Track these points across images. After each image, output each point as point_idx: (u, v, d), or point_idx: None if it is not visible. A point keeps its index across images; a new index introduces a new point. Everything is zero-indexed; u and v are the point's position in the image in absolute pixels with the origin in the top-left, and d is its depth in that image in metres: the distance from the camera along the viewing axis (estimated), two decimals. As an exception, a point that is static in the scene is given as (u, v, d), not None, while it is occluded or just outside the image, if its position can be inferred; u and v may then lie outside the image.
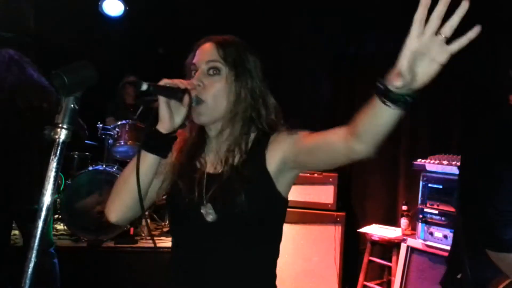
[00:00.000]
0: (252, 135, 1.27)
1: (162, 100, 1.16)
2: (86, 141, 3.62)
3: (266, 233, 1.25)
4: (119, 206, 1.24)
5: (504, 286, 1.66)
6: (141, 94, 1.12)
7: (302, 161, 1.20)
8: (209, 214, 1.19)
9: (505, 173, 1.63)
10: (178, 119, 1.18)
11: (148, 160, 1.18)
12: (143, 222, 4.19)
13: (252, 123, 1.27)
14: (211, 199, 1.20)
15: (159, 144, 1.18)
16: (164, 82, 1.16)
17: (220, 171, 1.24)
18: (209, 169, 1.27)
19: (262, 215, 1.21)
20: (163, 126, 1.17)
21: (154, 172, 1.21)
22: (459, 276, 1.81)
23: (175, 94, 1.15)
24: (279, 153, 1.21)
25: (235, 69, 1.25)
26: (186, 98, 1.15)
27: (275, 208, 1.26)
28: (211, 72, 1.24)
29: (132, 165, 1.18)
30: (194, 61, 1.26)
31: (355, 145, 1.05)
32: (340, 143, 1.08)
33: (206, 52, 1.26)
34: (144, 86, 1.11)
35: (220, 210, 1.19)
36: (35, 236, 0.85)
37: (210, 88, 1.23)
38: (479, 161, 1.76)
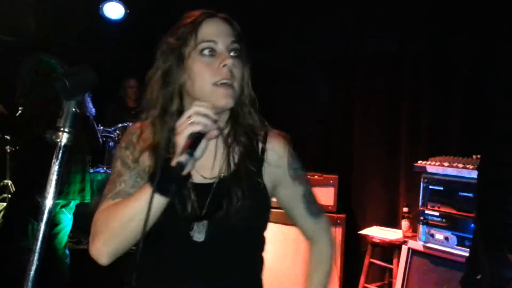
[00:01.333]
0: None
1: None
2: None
3: (257, 244, 1.21)
4: (115, 250, 1.07)
5: None
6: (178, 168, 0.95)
7: (279, 198, 1.27)
8: (200, 231, 1.08)
9: None
10: (199, 154, 1.00)
11: (161, 204, 1.00)
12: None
13: (249, 117, 1.19)
14: (207, 215, 1.09)
15: (177, 186, 0.99)
16: (195, 125, 0.97)
17: (212, 178, 1.13)
18: (195, 177, 1.10)
19: (256, 228, 1.18)
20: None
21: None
22: (478, 277, 1.82)
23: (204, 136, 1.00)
24: (273, 175, 1.19)
25: (247, 53, 1.17)
26: (214, 134, 1.01)
27: (267, 219, 1.21)
28: (233, 53, 1.12)
29: (131, 207, 1.03)
30: (213, 38, 1.11)
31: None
32: (313, 239, 1.33)
33: (226, 31, 1.14)
34: (185, 158, 0.95)
35: (216, 227, 1.09)
36: (37, 239, 0.86)
37: (237, 72, 1.12)
38: (492, 163, 1.77)
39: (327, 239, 1.33)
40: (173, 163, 0.96)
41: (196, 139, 0.97)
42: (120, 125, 4.50)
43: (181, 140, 0.97)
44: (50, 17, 4.53)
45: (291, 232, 3.55)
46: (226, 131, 1.18)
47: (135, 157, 1.15)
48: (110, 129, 4.50)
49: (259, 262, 1.23)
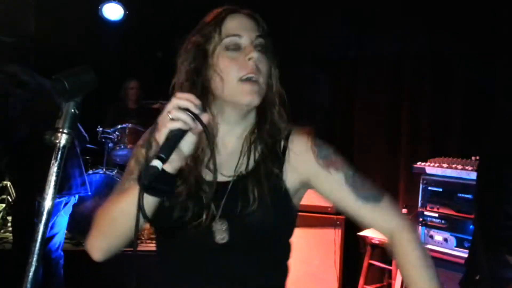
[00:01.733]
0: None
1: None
2: (86, 145, 3.63)
3: (277, 249, 1.13)
4: (106, 246, 1.07)
5: None
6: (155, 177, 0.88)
7: (320, 193, 1.15)
8: (222, 232, 1.03)
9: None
10: (187, 149, 0.96)
11: (150, 202, 0.97)
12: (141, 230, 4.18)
13: (271, 114, 1.13)
14: (224, 215, 1.04)
15: (166, 185, 0.95)
16: (174, 114, 0.91)
17: (229, 177, 1.08)
18: (212, 176, 1.05)
19: (276, 231, 1.08)
20: (172, 166, 0.95)
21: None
22: (477, 278, 1.82)
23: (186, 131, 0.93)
24: (299, 174, 1.11)
25: (273, 50, 1.13)
26: (198, 129, 0.94)
27: (291, 224, 1.14)
28: (258, 48, 1.08)
29: (119, 202, 1.03)
30: (238, 32, 1.08)
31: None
32: (383, 230, 1.13)
33: (250, 26, 1.10)
34: (157, 163, 0.87)
35: (235, 228, 1.03)
36: (36, 241, 0.85)
37: (263, 67, 1.08)
38: (491, 164, 1.78)
39: (399, 223, 1.11)
40: (165, 166, 0.90)
41: (174, 137, 0.91)
42: (119, 126, 4.49)
43: (159, 138, 0.92)
44: (49, 18, 4.53)
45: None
46: (250, 128, 1.13)
47: (149, 155, 1.10)
48: (109, 130, 4.49)
49: (281, 268, 1.16)
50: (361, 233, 3.74)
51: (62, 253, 3.23)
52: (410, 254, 1.07)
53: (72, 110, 0.90)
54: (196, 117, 0.92)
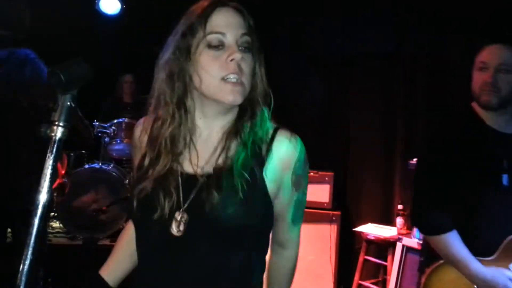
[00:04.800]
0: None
1: None
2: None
3: (250, 245, 1.08)
4: None
5: (434, 268, 1.79)
6: None
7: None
8: (180, 224, 1.02)
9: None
10: None
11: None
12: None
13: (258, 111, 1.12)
14: (189, 208, 1.03)
15: None
16: None
17: (203, 170, 1.06)
18: (187, 167, 1.08)
19: (249, 228, 1.04)
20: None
21: None
22: (422, 259, 2.00)
23: None
24: (277, 176, 1.09)
25: (259, 46, 1.11)
26: None
27: (265, 221, 1.11)
28: (242, 47, 1.07)
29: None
30: (222, 30, 1.05)
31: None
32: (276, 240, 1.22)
33: (236, 22, 1.07)
34: None
35: (195, 222, 1.02)
36: (31, 234, 0.85)
37: (246, 67, 1.06)
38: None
39: (297, 250, 1.24)
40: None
41: None
42: (115, 121, 4.48)
43: None
44: (45, 11, 4.49)
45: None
46: (229, 125, 1.11)
47: (141, 153, 1.15)
48: (105, 125, 4.48)
49: (253, 264, 1.10)
50: (357, 229, 3.76)
51: None
52: (284, 267, 1.25)
53: (68, 103, 0.90)
54: None
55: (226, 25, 1.06)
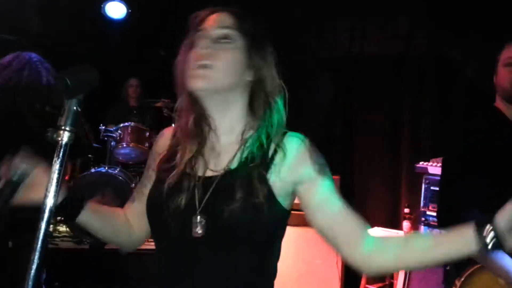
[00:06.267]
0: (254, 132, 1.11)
1: None
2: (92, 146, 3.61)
3: (261, 250, 1.08)
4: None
5: (472, 270, 1.72)
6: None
7: (305, 198, 1.11)
8: (199, 226, 1.02)
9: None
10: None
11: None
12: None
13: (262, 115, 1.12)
14: (205, 209, 1.04)
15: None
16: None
17: (215, 173, 1.07)
18: (202, 170, 1.09)
19: (258, 232, 1.04)
20: None
21: None
22: (448, 268, 1.92)
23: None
24: (290, 178, 1.08)
25: (252, 40, 1.10)
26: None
27: (277, 225, 1.11)
28: (222, 40, 1.07)
29: None
30: (203, 26, 1.09)
31: (360, 265, 1.10)
32: (346, 251, 1.11)
33: (218, 19, 1.09)
34: None
35: (212, 223, 1.03)
36: (37, 238, 0.86)
37: (222, 53, 1.06)
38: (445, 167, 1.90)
39: (365, 229, 1.19)
40: None
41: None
42: (121, 125, 4.50)
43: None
44: (52, 16, 4.54)
45: (293, 233, 3.54)
46: (241, 125, 1.12)
47: (155, 160, 1.18)
48: (111, 129, 4.50)
49: (262, 268, 1.10)
50: (363, 233, 3.73)
51: None
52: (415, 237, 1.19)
53: (74, 108, 0.90)
54: None
55: (206, 24, 1.09)
